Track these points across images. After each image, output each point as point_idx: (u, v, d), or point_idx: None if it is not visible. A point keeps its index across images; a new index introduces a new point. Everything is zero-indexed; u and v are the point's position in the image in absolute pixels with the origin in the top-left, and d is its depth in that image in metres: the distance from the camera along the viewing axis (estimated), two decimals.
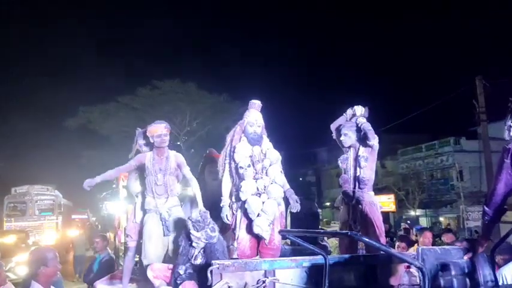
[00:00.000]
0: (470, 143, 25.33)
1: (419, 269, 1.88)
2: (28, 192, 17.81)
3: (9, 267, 10.18)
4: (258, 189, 3.85)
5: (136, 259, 4.77)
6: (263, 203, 3.79)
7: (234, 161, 3.95)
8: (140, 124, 5.97)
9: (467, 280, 2.70)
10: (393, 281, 3.42)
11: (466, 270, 2.73)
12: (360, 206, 4.27)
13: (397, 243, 5.70)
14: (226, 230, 4.42)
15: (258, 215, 3.75)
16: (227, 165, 4.08)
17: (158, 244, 4.13)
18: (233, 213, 3.95)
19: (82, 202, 33.60)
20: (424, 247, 2.91)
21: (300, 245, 2.89)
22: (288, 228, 4.74)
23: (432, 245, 5.32)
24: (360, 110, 4.53)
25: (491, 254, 3.13)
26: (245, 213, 3.83)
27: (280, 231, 3.52)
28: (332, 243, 6.15)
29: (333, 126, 4.67)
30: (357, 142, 4.43)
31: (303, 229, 4.30)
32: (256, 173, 3.92)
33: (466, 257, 2.79)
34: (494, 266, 3.13)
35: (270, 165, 3.99)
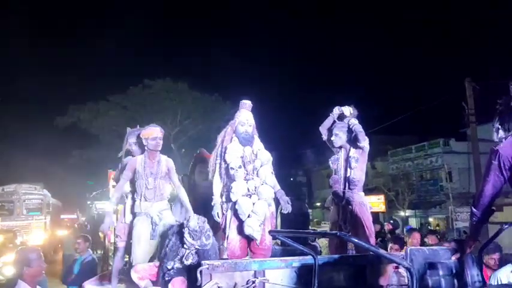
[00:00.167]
0: (459, 144, 25.55)
1: (408, 269, 1.89)
2: (16, 191, 17.38)
3: None
4: (248, 190, 3.85)
5: (126, 259, 4.75)
6: (254, 204, 3.79)
7: (225, 161, 3.95)
8: (131, 124, 5.94)
9: (455, 280, 2.73)
10: (382, 281, 3.44)
11: (454, 271, 2.75)
12: (350, 206, 4.29)
13: (389, 245, 5.73)
14: (217, 229, 4.41)
15: (248, 216, 3.74)
16: (218, 166, 4.07)
17: (147, 247, 4.10)
18: (223, 214, 3.95)
19: (71, 202, 33.33)
20: (413, 247, 2.93)
21: (290, 245, 2.90)
22: (278, 228, 4.74)
23: (421, 246, 5.36)
24: (347, 110, 4.56)
25: (479, 254, 3.16)
26: (235, 214, 3.83)
27: (270, 232, 3.53)
28: (322, 243, 6.16)
29: (321, 129, 4.68)
30: (347, 143, 4.45)
31: (293, 229, 4.30)
32: (247, 173, 3.91)
33: (454, 258, 2.81)
34: (482, 266, 3.16)
35: (261, 166, 3.99)
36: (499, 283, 3.13)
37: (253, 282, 3.03)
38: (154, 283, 3.58)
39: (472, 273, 2.87)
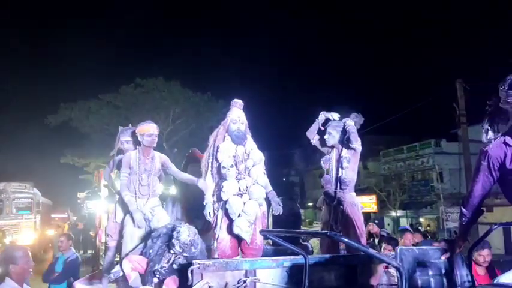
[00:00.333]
0: (450, 145, 25.76)
1: (397, 268, 1.90)
2: (5, 190, 17.02)
3: None
4: (240, 189, 3.85)
5: (117, 259, 4.72)
6: (244, 203, 3.78)
7: (217, 160, 3.94)
8: (123, 122, 5.91)
9: (445, 280, 2.74)
10: (372, 281, 3.45)
11: (444, 271, 2.76)
12: (341, 206, 4.30)
13: (383, 245, 5.76)
14: (209, 229, 4.41)
15: (239, 216, 3.74)
16: (210, 165, 4.06)
17: (140, 245, 4.09)
18: (214, 213, 3.94)
19: (62, 201, 33.11)
20: (403, 247, 2.95)
21: (281, 245, 2.90)
22: (270, 228, 4.75)
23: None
24: (335, 115, 4.56)
25: (469, 254, 3.18)
26: (226, 213, 3.82)
27: (261, 231, 3.53)
28: (314, 243, 6.18)
29: (308, 134, 4.70)
30: (339, 143, 4.46)
31: (284, 229, 4.31)
32: (238, 173, 3.91)
33: (443, 257, 2.83)
34: (471, 266, 3.18)
35: (253, 165, 3.98)
36: None
37: (244, 281, 3.03)
38: (141, 276, 3.55)
39: (462, 273, 2.89)
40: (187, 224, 3.52)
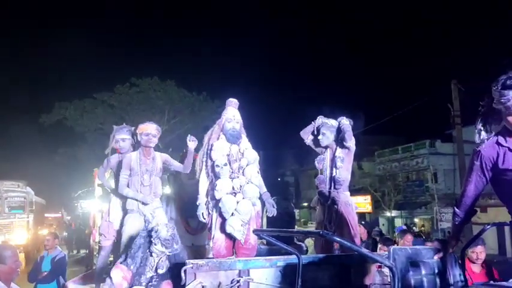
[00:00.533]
0: (445, 145, 25.88)
1: (390, 268, 1.90)
2: None
3: None
4: (233, 188, 3.84)
5: (111, 259, 4.70)
6: (238, 202, 3.78)
7: (211, 158, 3.92)
8: (117, 122, 5.90)
9: (437, 279, 2.75)
10: (366, 281, 3.46)
11: (436, 270, 2.77)
12: (336, 206, 4.30)
13: (379, 246, 5.77)
14: (204, 228, 4.40)
15: (232, 215, 3.73)
16: (204, 164, 4.06)
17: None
18: (209, 213, 3.93)
19: (56, 200, 32.95)
20: (396, 247, 2.96)
21: (275, 245, 2.90)
22: (264, 228, 4.75)
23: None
24: (333, 121, 4.55)
25: (462, 254, 3.19)
26: (220, 213, 3.81)
27: (254, 231, 3.52)
28: (309, 243, 6.19)
29: (302, 134, 4.69)
30: (333, 142, 4.46)
31: (277, 228, 4.31)
32: (232, 172, 3.90)
33: (436, 257, 2.83)
34: (464, 266, 3.19)
35: (247, 165, 3.97)
36: None
37: (238, 281, 3.03)
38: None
39: (454, 273, 2.90)
40: (163, 222, 3.49)
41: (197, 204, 3.97)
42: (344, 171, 4.34)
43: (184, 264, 3.08)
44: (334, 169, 4.33)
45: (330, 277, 3.30)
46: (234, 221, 3.70)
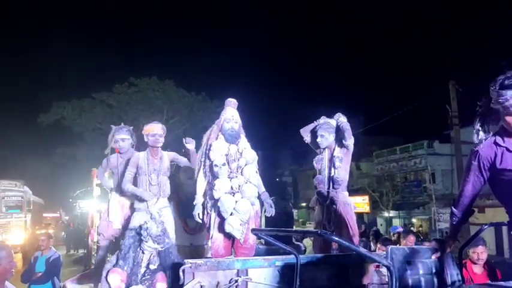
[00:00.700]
0: (443, 146, 25.90)
1: (387, 267, 1.90)
2: None
3: None
4: (232, 188, 3.84)
5: (109, 258, 4.70)
6: (236, 202, 3.78)
7: (209, 159, 3.93)
8: (116, 122, 5.90)
9: (435, 279, 2.76)
10: (364, 280, 3.47)
11: (434, 270, 2.78)
12: (334, 206, 4.30)
13: (378, 245, 5.77)
14: (202, 228, 4.40)
15: (231, 214, 3.74)
16: (202, 164, 4.07)
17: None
18: (207, 212, 3.93)
19: (54, 200, 32.90)
20: (393, 246, 2.96)
21: (273, 245, 2.91)
22: (263, 227, 4.76)
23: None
24: (334, 122, 4.55)
25: (459, 254, 3.20)
26: (218, 212, 3.82)
27: (252, 230, 3.53)
28: (307, 243, 6.20)
29: (302, 132, 4.68)
30: (332, 142, 4.45)
31: (276, 228, 4.32)
32: (231, 171, 3.90)
33: (434, 257, 2.84)
34: (462, 265, 3.20)
35: (246, 164, 3.98)
36: None
37: (236, 281, 3.03)
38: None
39: (452, 273, 2.91)
40: (151, 220, 3.49)
41: (194, 204, 3.98)
42: (342, 171, 4.34)
43: (181, 263, 3.09)
44: (332, 169, 4.33)
45: (328, 277, 3.30)
46: (233, 220, 3.71)
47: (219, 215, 3.80)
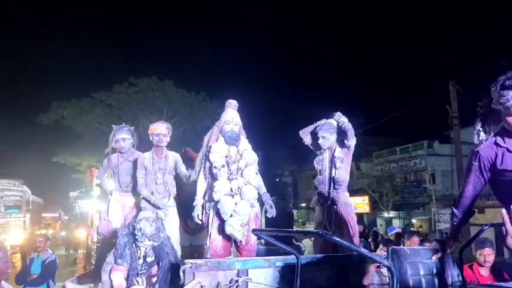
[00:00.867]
0: (443, 146, 25.90)
1: (388, 268, 1.91)
2: None
3: None
4: (231, 189, 3.84)
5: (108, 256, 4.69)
6: (236, 203, 3.78)
7: (209, 160, 3.94)
8: (115, 121, 5.89)
9: (436, 280, 2.76)
10: (364, 281, 3.47)
11: (435, 270, 2.78)
12: (335, 206, 4.29)
13: (380, 246, 5.77)
14: (202, 229, 4.40)
15: (230, 216, 3.74)
16: (202, 166, 4.08)
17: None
18: (206, 213, 3.93)
19: (54, 200, 32.88)
20: (394, 247, 2.96)
21: (274, 245, 2.91)
22: (263, 228, 4.75)
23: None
24: (333, 122, 4.54)
25: (460, 254, 3.20)
26: (217, 214, 3.81)
27: (253, 231, 3.53)
28: (307, 243, 6.19)
29: (302, 134, 4.65)
30: (334, 143, 4.43)
31: (276, 228, 4.31)
32: (230, 173, 3.90)
33: (434, 257, 2.84)
34: (462, 266, 3.20)
35: (246, 166, 3.98)
36: None
37: (236, 281, 3.03)
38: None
39: (453, 273, 2.91)
40: (143, 218, 3.49)
41: (193, 205, 3.98)
42: (343, 172, 4.33)
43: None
44: (333, 169, 4.31)
45: (328, 277, 3.30)
46: (233, 221, 3.71)
47: (218, 215, 3.80)
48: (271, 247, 4.66)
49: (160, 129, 4.32)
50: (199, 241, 4.79)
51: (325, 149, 4.48)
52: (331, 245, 4.31)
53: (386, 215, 27.39)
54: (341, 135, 4.39)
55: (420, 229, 25.56)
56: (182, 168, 4.45)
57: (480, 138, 2.55)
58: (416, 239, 5.47)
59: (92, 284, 4.44)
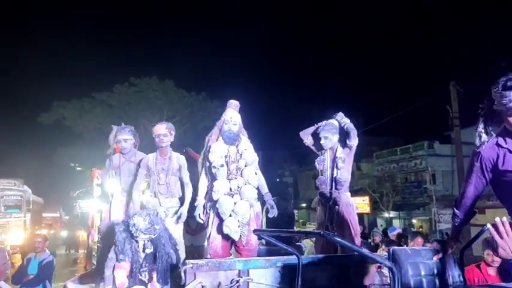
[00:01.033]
0: (443, 147, 25.91)
1: (390, 268, 1.91)
2: None
3: None
4: (231, 189, 3.85)
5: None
6: (235, 203, 3.78)
7: (209, 160, 3.95)
8: (116, 121, 5.89)
9: (437, 280, 2.76)
10: (365, 281, 3.47)
11: (436, 271, 2.78)
12: (337, 206, 4.28)
13: (382, 247, 5.77)
14: (203, 229, 4.41)
15: (229, 216, 3.74)
16: (202, 166, 4.09)
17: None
18: (206, 213, 3.94)
19: (54, 200, 32.87)
20: (395, 247, 2.96)
21: (275, 245, 2.91)
22: (263, 228, 4.75)
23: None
24: (334, 122, 4.53)
25: (461, 255, 3.20)
26: (217, 213, 3.82)
27: (254, 231, 3.53)
28: (308, 243, 6.19)
29: (303, 135, 4.64)
30: (336, 143, 4.43)
31: (278, 229, 4.31)
32: (230, 173, 3.91)
33: (435, 258, 2.84)
34: (463, 266, 3.19)
35: (246, 166, 3.98)
36: None
37: (238, 281, 3.04)
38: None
39: (454, 274, 2.91)
40: (135, 214, 3.49)
41: (195, 205, 3.99)
42: (345, 172, 4.33)
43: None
44: (335, 170, 4.31)
45: (329, 277, 3.31)
46: (231, 222, 3.72)
47: (218, 215, 3.81)
48: (272, 247, 4.66)
49: (161, 130, 4.30)
50: (200, 241, 4.79)
51: (326, 150, 4.48)
52: (332, 245, 4.31)
53: (386, 215, 27.38)
54: (343, 135, 4.39)
55: (420, 229, 25.54)
56: (184, 175, 4.36)
57: (482, 140, 2.54)
58: (420, 239, 5.45)
59: (93, 284, 4.44)
